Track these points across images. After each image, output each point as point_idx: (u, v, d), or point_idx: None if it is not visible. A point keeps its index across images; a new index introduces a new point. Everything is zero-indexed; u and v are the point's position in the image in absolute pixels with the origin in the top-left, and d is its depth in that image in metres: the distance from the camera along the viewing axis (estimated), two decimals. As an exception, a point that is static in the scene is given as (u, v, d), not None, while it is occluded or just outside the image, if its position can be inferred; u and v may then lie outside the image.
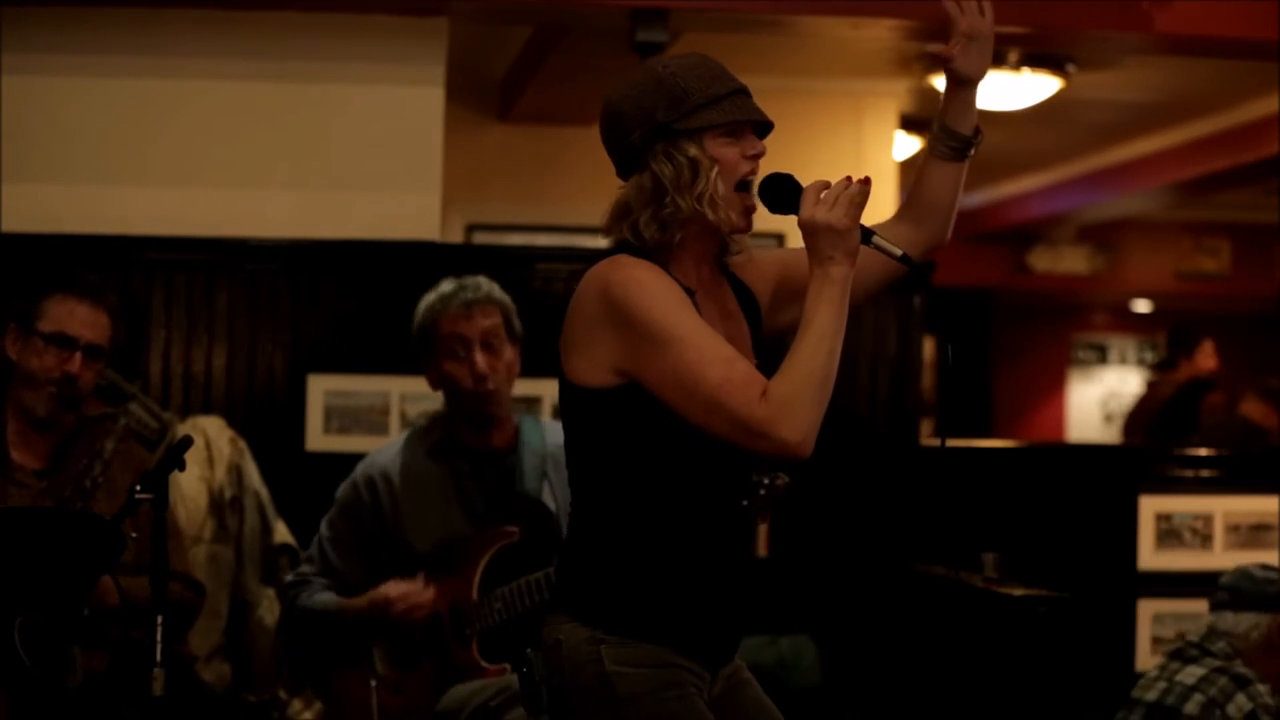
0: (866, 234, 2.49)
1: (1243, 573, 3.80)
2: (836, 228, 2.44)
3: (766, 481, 3.43)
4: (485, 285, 3.89)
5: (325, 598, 3.83)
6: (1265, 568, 3.79)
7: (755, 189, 2.58)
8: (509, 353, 3.83)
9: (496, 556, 3.74)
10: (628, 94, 2.57)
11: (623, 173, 2.60)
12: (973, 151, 2.76)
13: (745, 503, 3.30)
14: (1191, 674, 3.67)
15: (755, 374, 2.44)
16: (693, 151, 2.53)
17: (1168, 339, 8.25)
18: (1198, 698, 3.60)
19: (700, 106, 2.53)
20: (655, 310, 2.46)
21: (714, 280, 2.64)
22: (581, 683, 2.51)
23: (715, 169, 2.52)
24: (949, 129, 2.73)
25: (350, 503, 3.86)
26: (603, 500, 2.57)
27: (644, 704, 2.49)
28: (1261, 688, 3.61)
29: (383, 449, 3.95)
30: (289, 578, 3.93)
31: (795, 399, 2.40)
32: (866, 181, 2.49)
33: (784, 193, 2.54)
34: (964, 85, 2.72)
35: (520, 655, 3.62)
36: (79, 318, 3.66)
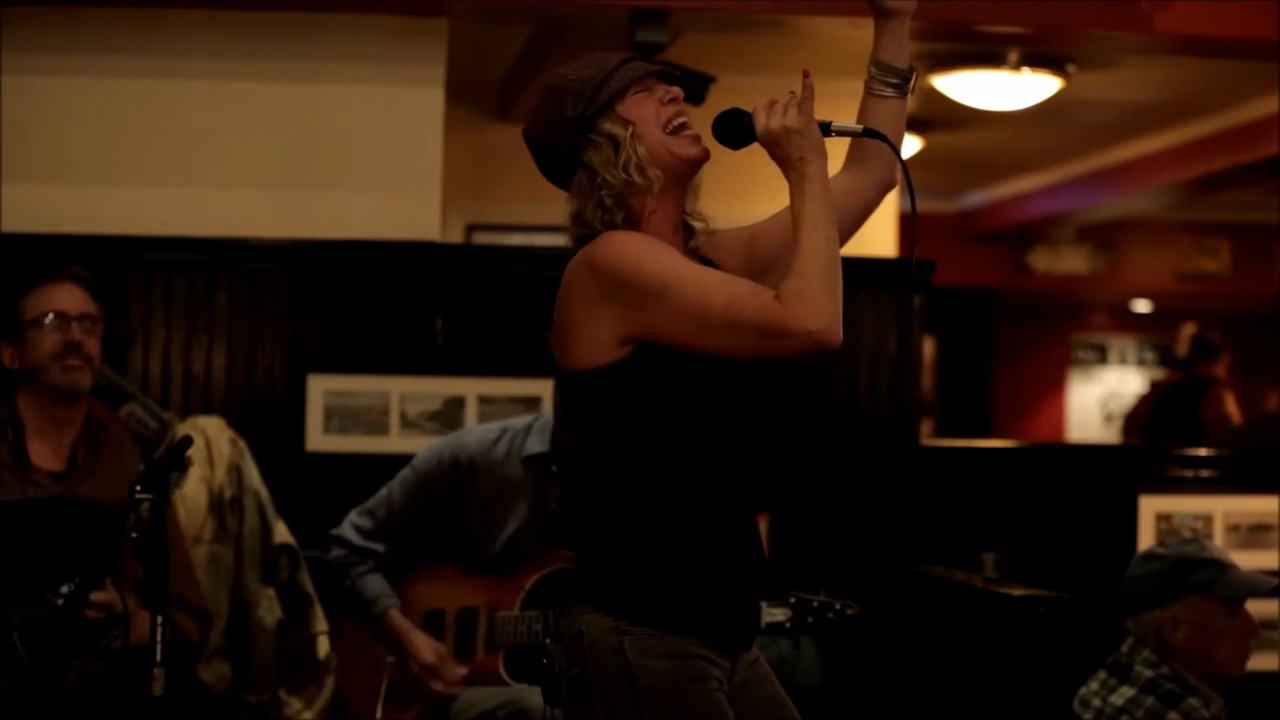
0: (825, 125, 2.54)
1: (1128, 571, 3.54)
2: (793, 128, 2.49)
3: (838, 606, 3.47)
4: None
5: (374, 586, 3.83)
6: (1146, 558, 3.52)
7: (690, 128, 2.62)
8: None
9: (549, 577, 3.73)
10: (537, 116, 2.65)
11: (567, 186, 2.66)
12: (911, 86, 2.76)
13: (810, 620, 3.36)
14: (1122, 695, 3.43)
15: (759, 285, 2.47)
16: (608, 127, 2.59)
17: (1192, 342, 8.18)
18: None
19: (599, 86, 2.60)
20: (645, 263, 2.49)
21: (686, 254, 2.65)
22: (603, 674, 2.50)
23: (630, 130, 2.58)
24: (885, 65, 2.76)
25: (428, 477, 3.86)
26: (619, 488, 2.56)
27: (665, 698, 2.49)
28: (1195, 700, 3.35)
29: (478, 431, 3.93)
30: (348, 533, 3.90)
31: (808, 290, 2.41)
32: (806, 75, 2.53)
33: (737, 126, 2.57)
34: (893, 18, 2.77)
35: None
36: (59, 296, 3.70)
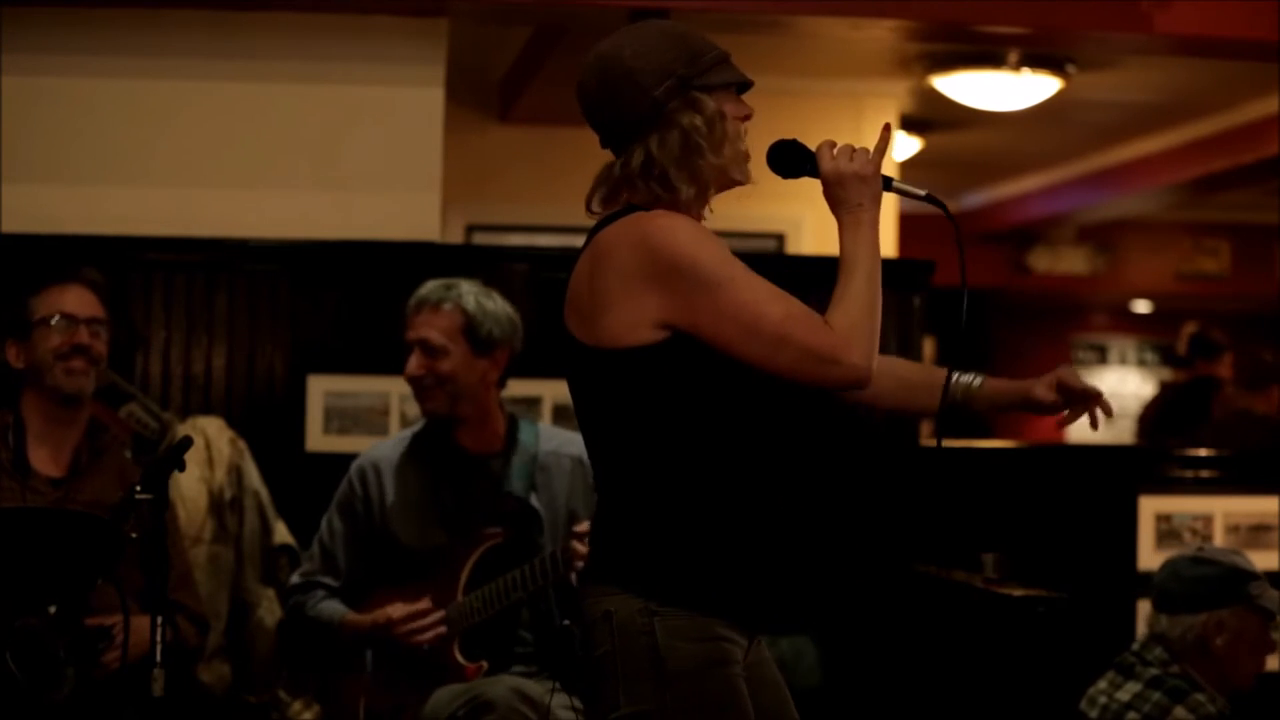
0: (887, 181, 2.58)
1: (1171, 571, 3.59)
2: (863, 174, 2.54)
3: None
4: (442, 287, 3.86)
5: (329, 608, 3.85)
6: (1196, 561, 3.58)
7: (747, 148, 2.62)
8: (459, 357, 3.79)
9: (482, 559, 3.76)
10: (640, 50, 2.57)
11: (627, 134, 2.57)
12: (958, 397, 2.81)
13: None
14: (1128, 690, 3.50)
15: (810, 309, 2.49)
16: (709, 106, 2.56)
17: (1190, 340, 8.19)
18: (1132, 715, 3.44)
19: (714, 64, 2.58)
20: (703, 254, 2.47)
21: None
22: (630, 655, 2.49)
23: (724, 125, 2.57)
24: (957, 406, 2.80)
25: (345, 499, 3.91)
26: (648, 466, 2.53)
27: (688, 681, 2.48)
28: (1201, 696, 3.43)
29: (380, 444, 4.01)
30: (294, 579, 3.96)
31: (857, 327, 2.47)
32: (888, 128, 2.57)
33: (795, 157, 2.60)
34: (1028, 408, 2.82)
35: (497, 654, 3.66)
36: (70, 297, 3.72)
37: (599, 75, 2.59)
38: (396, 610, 3.75)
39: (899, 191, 2.62)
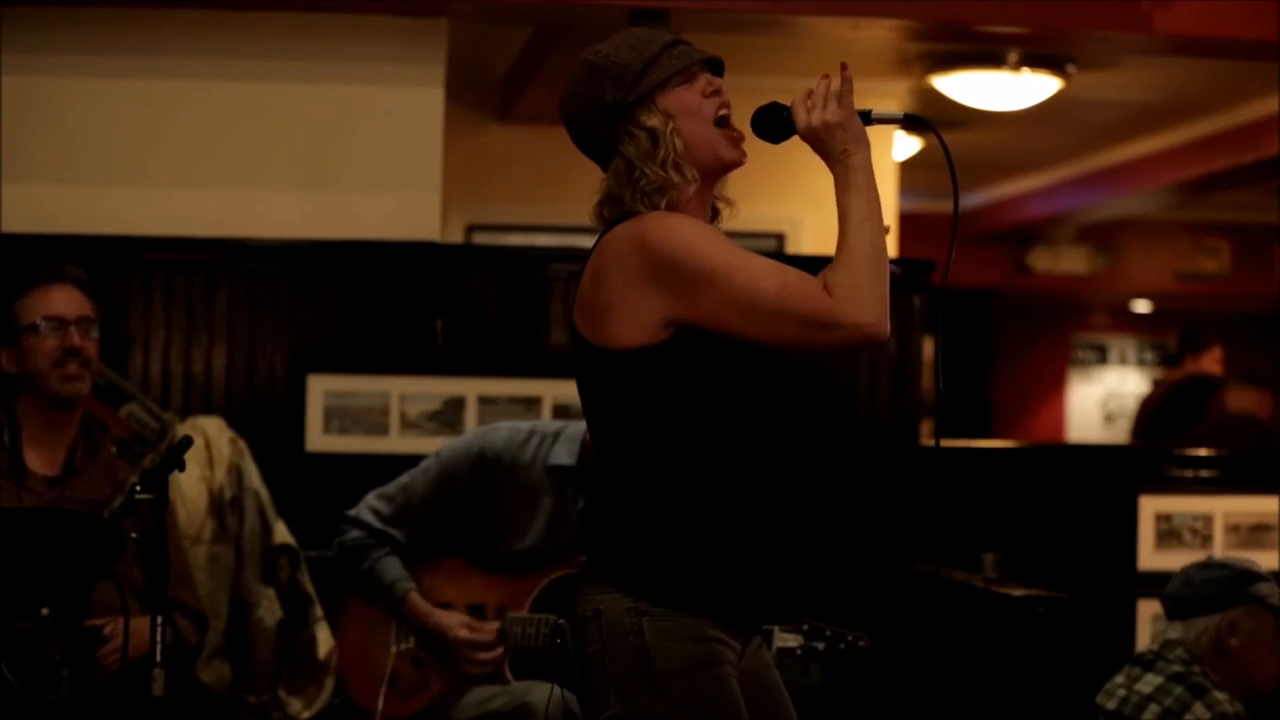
0: (865, 114, 2.56)
1: (1183, 579, 3.64)
2: (834, 122, 2.52)
3: (850, 638, 3.46)
4: None
5: (392, 570, 3.83)
6: (1206, 566, 3.64)
7: (732, 122, 2.61)
8: None
9: (560, 581, 3.72)
10: (575, 94, 2.63)
11: (602, 160, 2.64)
12: None
13: (821, 648, 3.38)
14: (1149, 682, 3.53)
15: (808, 274, 2.47)
16: (649, 121, 2.57)
17: (1178, 336, 8.25)
18: (1154, 708, 3.46)
19: (641, 73, 2.58)
20: (696, 246, 2.48)
21: None
22: (619, 654, 2.49)
23: (671, 126, 2.56)
24: None
25: (453, 469, 3.86)
26: (646, 466, 2.54)
27: (678, 681, 2.48)
28: (1220, 695, 3.45)
29: (506, 429, 3.91)
30: (366, 516, 3.88)
31: (856, 283, 2.43)
32: (844, 68, 2.56)
33: (776, 120, 2.58)
34: None
35: (549, 680, 3.66)
36: (55, 299, 3.70)
37: (564, 123, 2.66)
38: (461, 631, 3.75)
39: (880, 121, 2.58)
